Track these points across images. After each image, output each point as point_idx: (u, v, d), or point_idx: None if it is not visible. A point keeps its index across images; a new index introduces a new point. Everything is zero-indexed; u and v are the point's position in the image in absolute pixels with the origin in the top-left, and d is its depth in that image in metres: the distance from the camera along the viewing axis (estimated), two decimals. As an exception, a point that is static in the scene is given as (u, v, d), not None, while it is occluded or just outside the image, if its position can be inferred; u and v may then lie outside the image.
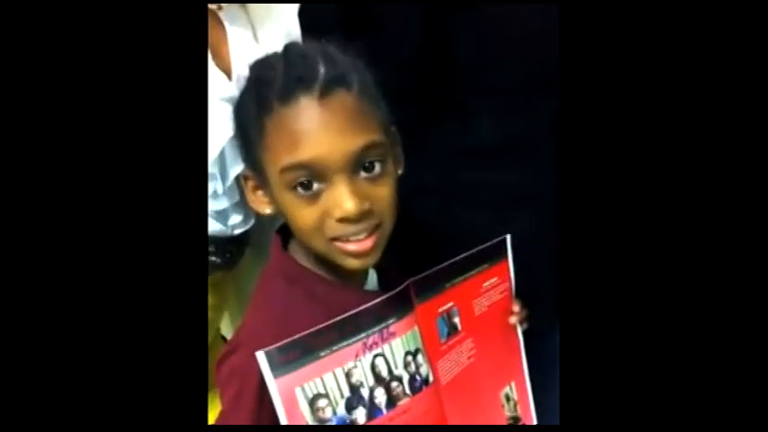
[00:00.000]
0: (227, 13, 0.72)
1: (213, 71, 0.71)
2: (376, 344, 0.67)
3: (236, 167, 0.72)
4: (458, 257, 0.76)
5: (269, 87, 0.63)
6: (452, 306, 0.76)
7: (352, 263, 0.66)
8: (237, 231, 0.76)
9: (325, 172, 0.62)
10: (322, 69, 0.62)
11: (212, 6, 0.70)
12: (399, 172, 0.69)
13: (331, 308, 0.65)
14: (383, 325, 0.67)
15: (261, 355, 0.61)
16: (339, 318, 0.64)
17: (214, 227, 0.73)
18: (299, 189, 0.63)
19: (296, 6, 0.78)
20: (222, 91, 0.71)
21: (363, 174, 0.64)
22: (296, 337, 0.62)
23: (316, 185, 0.63)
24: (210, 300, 0.78)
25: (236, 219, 0.75)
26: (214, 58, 0.72)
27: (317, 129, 0.62)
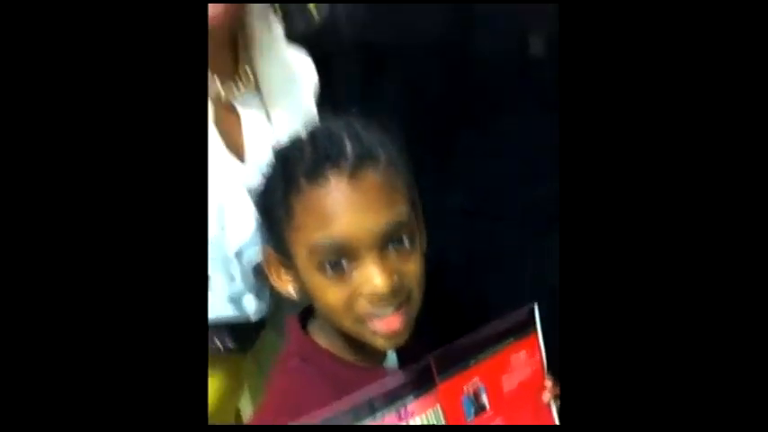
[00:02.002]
0: (240, 99, 0.75)
1: (226, 156, 0.73)
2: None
3: (254, 249, 0.72)
4: (483, 329, 0.74)
5: (296, 167, 0.64)
6: (479, 383, 0.74)
7: (383, 343, 0.66)
8: (255, 318, 0.76)
9: (356, 250, 0.62)
10: (349, 147, 0.63)
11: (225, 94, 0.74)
12: (425, 246, 0.68)
13: (349, 390, 0.64)
14: (399, 404, 0.66)
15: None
16: (351, 397, 0.63)
17: (231, 313, 0.73)
18: (328, 268, 0.63)
19: (311, 84, 0.81)
20: (237, 174, 0.73)
21: (392, 249, 0.64)
22: (309, 423, 0.61)
23: (345, 264, 0.63)
24: (227, 383, 0.78)
25: (252, 304, 0.75)
26: (227, 143, 0.74)
27: (348, 207, 0.62)
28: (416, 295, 0.67)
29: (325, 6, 0.79)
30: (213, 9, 0.68)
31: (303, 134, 0.68)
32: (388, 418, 0.66)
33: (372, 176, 0.64)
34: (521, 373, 0.79)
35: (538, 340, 0.80)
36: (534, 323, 0.79)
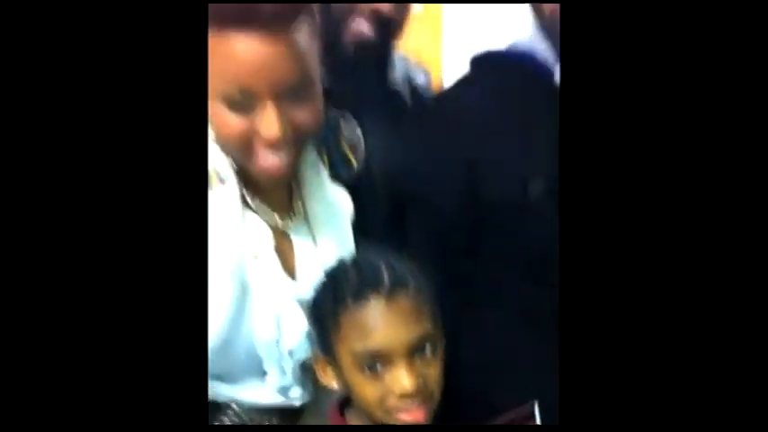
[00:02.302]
0: (293, 228, 0.92)
1: (282, 274, 0.89)
2: None
3: (303, 350, 0.88)
4: (489, 424, 0.87)
5: (345, 289, 0.79)
6: None
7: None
8: (298, 405, 0.90)
9: (389, 357, 0.77)
10: (386, 275, 0.79)
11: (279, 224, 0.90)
12: (442, 351, 0.84)
13: None
14: None
15: None
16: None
17: (280, 400, 0.87)
18: (366, 369, 0.77)
19: (349, 217, 0.98)
20: (289, 289, 0.89)
21: (418, 357, 0.78)
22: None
23: (379, 367, 0.77)
24: None
25: (298, 393, 0.89)
26: (282, 263, 0.90)
27: (384, 323, 0.78)
28: (436, 395, 0.80)
29: (362, 157, 0.97)
30: (274, 160, 0.83)
31: (348, 261, 0.84)
32: None
33: (404, 299, 0.79)
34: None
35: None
36: (534, 418, 0.92)
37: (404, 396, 0.77)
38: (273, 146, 0.81)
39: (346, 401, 0.84)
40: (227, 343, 0.82)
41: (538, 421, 0.90)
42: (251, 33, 0.78)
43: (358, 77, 1.05)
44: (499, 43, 1.09)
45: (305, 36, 0.82)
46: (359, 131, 0.96)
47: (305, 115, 0.83)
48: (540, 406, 0.89)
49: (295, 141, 0.83)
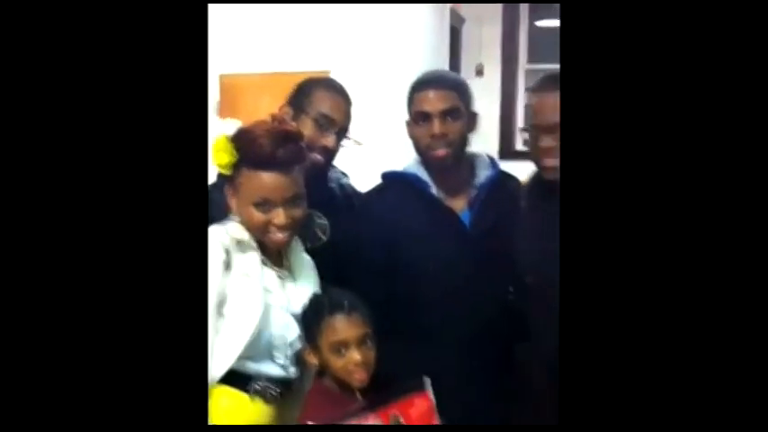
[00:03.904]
0: (284, 276, 1.54)
1: (283, 299, 1.51)
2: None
3: (296, 342, 1.47)
4: (401, 385, 1.53)
5: (323, 309, 1.42)
6: (397, 412, 1.52)
7: (357, 386, 1.42)
8: (293, 376, 1.51)
9: (348, 345, 1.40)
10: (346, 302, 1.42)
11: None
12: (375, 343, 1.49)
13: (339, 406, 1.42)
14: (362, 415, 1.43)
15: None
16: (341, 409, 1.41)
17: (281, 374, 1.48)
18: (336, 352, 1.40)
19: (315, 269, 1.63)
20: (288, 308, 1.50)
21: (363, 345, 1.40)
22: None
23: (343, 351, 1.40)
24: (279, 408, 1.45)
25: (292, 369, 1.49)
26: (283, 294, 1.54)
27: (345, 327, 1.40)
28: (372, 366, 1.42)
29: (329, 235, 1.64)
30: (282, 237, 1.48)
31: (321, 294, 1.50)
32: (355, 419, 1.43)
33: (355, 314, 1.42)
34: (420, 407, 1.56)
35: (430, 393, 1.57)
36: (427, 385, 1.56)
37: (356, 365, 1.41)
38: (281, 229, 1.47)
39: (322, 373, 1.49)
40: (255, 338, 1.43)
41: (430, 394, 1.51)
42: (271, 171, 1.43)
43: (315, 185, 1.71)
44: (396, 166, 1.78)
45: (298, 171, 1.48)
46: (325, 220, 1.63)
47: (298, 213, 1.49)
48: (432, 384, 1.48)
49: (292, 227, 1.49)
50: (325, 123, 1.66)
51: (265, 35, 3.36)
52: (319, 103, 1.66)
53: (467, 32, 5.01)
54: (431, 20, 3.88)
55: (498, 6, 5.07)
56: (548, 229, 1.48)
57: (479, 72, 5.09)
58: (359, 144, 1.69)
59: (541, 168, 1.47)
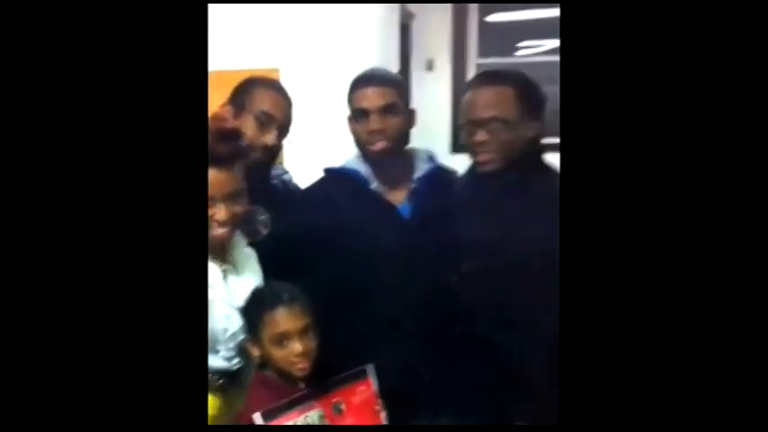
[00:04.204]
0: (228, 270, 1.58)
1: (226, 293, 1.55)
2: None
3: (240, 335, 1.51)
4: (342, 375, 1.57)
5: (265, 302, 1.46)
6: (341, 399, 1.57)
7: (299, 376, 1.46)
8: (236, 368, 1.55)
9: (290, 336, 1.43)
10: (286, 295, 1.46)
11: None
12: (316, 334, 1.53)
13: (280, 396, 1.46)
14: (305, 405, 1.47)
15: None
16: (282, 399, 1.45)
17: (225, 365, 1.51)
18: (278, 344, 1.44)
19: (257, 262, 1.66)
20: (231, 302, 1.54)
21: (305, 336, 1.44)
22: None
23: (285, 342, 1.44)
24: (223, 399, 1.50)
25: (236, 361, 1.53)
26: (226, 288, 1.57)
27: (285, 320, 1.44)
28: (314, 356, 1.46)
29: (269, 229, 1.67)
30: (223, 232, 1.52)
31: (263, 287, 1.53)
32: (297, 409, 1.47)
33: (296, 306, 1.45)
34: (362, 395, 1.61)
35: (372, 380, 1.60)
36: (366, 373, 1.61)
37: (297, 356, 1.45)
38: (222, 224, 1.50)
39: (263, 365, 1.53)
40: (198, 332, 1.47)
41: (373, 382, 1.57)
42: (212, 168, 1.46)
43: (257, 181, 1.74)
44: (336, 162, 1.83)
45: (239, 168, 1.52)
46: (266, 215, 1.67)
47: (238, 209, 1.53)
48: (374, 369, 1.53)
49: (233, 223, 1.53)
50: (265, 121, 1.70)
51: (213, 33, 3.35)
52: (260, 101, 1.70)
53: (417, 28, 5.06)
54: (380, 16, 3.92)
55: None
56: (481, 219, 1.56)
57: (430, 67, 5.16)
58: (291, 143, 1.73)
59: (475, 162, 1.53)
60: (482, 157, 1.50)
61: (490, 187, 1.56)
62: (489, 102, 1.49)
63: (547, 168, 1.56)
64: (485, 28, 5.42)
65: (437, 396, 1.67)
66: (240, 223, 1.58)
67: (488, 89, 1.51)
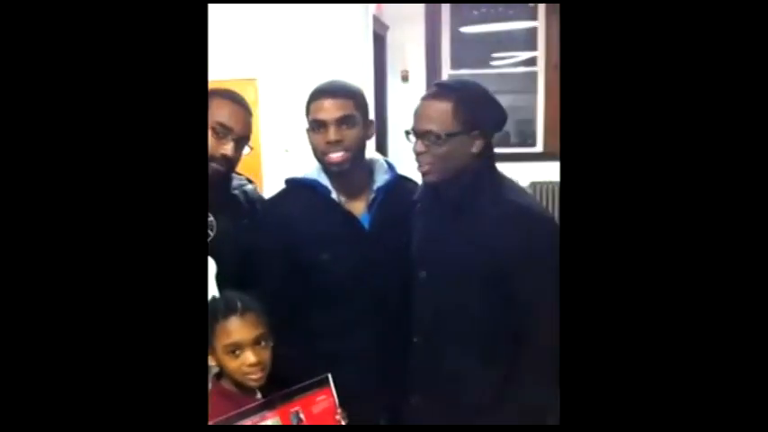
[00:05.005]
0: None
1: None
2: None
3: None
4: (302, 385, 1.56)
5: (218, 312, 1.45)
6: (299, 408, 1.57)
7: (254, 385, 1.46)
8: None
9: (243, 347, 1.43)
10: (239, 303, 1.46)
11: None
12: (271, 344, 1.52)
13: (236, 405, 1.46)
14: (260, 414, 1.47)
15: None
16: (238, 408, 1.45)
17: None
18: (231, 354, 1.43)
19: (213, 270, 1.67)
20: None
21: (258, 346, 1.44)
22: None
23: (238, 352, 1.43)
24: None
25: None
26: None
27: (238, 329, 1.44)
28: (268, 367, 1.46)
29: (215, 228, 1.67)
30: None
31: (216, 296, 1.54)
32: (252, 419, 1.48)
33: (249, 315, 1.46)
34: (322, 404, 1.60)
35: (332, 389, 1.58)
36: (329, 382, 1.58)
37: (250, 366, 1.44)
38: None
39: (220, 374, 1.53)
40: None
41: (332, 391, 1.55)
42: None
43: (217, 192, 1.75)
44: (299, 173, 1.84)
45: None
46: (211, 217, 1.67)
47: None
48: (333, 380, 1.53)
49: None
50: (222, 131, 1.70)
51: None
52: (217, 111, 1.70)
53: (391, 39, 5.09)
54: (354, 27, 3.94)
55: (421, 12, 5.17)
56: (433, 228, 1.58)
57: (405, 78, 5.18)
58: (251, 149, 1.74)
59: (420, 171, 1.56)
60: (422, 168, 1.55)
61: (433, 197, 1.63)
62: (429, 116, 1.53)
63: (495, 181, 1.59)
64: (459, 39, 5.46)
65: (394, 404, 1.68)
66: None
67: (431, 102, 1.55)
